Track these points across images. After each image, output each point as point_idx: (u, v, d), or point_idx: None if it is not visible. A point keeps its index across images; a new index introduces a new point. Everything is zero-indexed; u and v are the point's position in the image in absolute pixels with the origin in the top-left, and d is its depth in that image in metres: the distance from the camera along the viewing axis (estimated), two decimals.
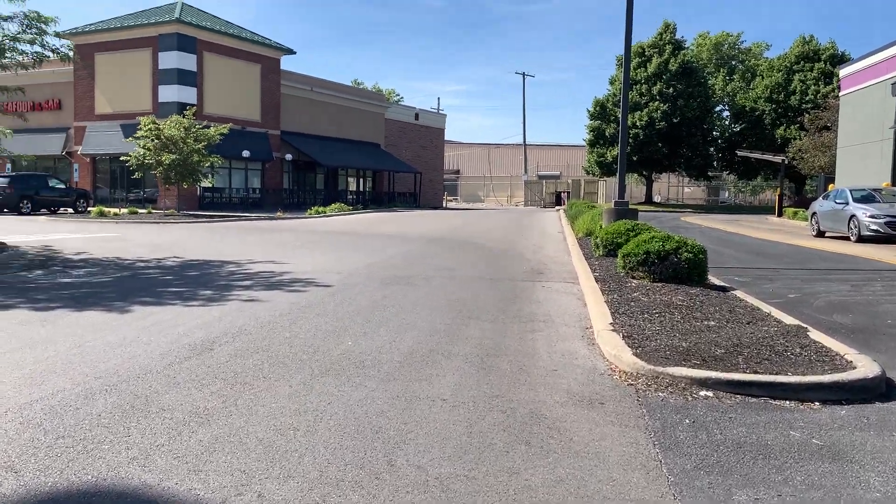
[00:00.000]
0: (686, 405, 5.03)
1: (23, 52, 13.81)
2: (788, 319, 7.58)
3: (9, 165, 41.19)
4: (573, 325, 7.79)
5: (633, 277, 10.35)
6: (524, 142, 70.71)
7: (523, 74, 70.02)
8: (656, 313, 7.77)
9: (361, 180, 51.31)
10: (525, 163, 69.97)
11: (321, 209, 33.36)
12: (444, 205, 61.62)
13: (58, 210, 32.32)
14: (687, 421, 4.70)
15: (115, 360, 5.80)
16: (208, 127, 29.34)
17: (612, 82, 58.64)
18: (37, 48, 13.96)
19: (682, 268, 9.89)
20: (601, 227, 16.78)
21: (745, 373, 5.57)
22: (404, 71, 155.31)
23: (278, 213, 31.37)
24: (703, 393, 5.31)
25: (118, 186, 38.64)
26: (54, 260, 13.60)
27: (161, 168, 28.01)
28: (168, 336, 6.79)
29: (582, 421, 4.64)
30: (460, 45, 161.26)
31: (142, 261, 13.62)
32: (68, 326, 7.15)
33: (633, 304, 8.39)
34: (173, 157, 27.55)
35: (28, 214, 30.12)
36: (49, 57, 14.02)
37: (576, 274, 12.12)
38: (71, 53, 14.52)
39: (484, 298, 9.46)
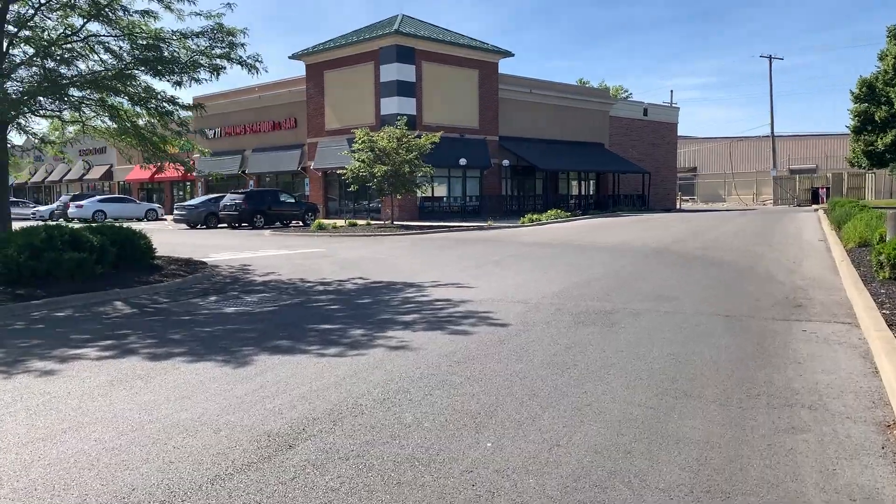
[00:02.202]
0: None
1: (210, 67, 13.36)
2: None
3: (251, 182, 44.36)
4: (861, 416, 4.83)
5: None
6: (772, 133, 62.95)
7: (769, 58, 62.17)
8: None
9: (583, 183, 48.39)
10: (774, 156, 62.26)
11: (535, 216, 31.21)
12: (677, 206, 56.55)
13: (289, 223, 33.67)
14: None
15: (151, 465, 4.11)
16: (420, 136, 28.62)
17: (881, 58, 49.73)
18: (221, 62, 13.44)
19: None
20: (881, 236, 12.77)
21: None
22: (633, 68, 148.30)
23: (488, 222, 29.78)
24: None
25: (346, 198, 39.75)
26: (238, 283, 12.93)
27: (375, 180, 27.75)
28: (258, 413, 5.05)
29: None
30: (695, 36, 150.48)
31: (323, 283, 12.48)
32: (157, 391, 5.72)
33: None
34: (385, 168, 27.12)
35: (261, 228, 31.60)
36: (225, 69, 13.49)
37: (851, 308, 8.74)
38: (258, 65, 13.82)
39: (711, 354, 6.67)
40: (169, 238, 25.19)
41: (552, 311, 9.00)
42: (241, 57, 13.97)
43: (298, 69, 42.19)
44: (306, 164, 41.46)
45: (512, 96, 41.83)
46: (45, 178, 64.06)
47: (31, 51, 13.15)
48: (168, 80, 13.10)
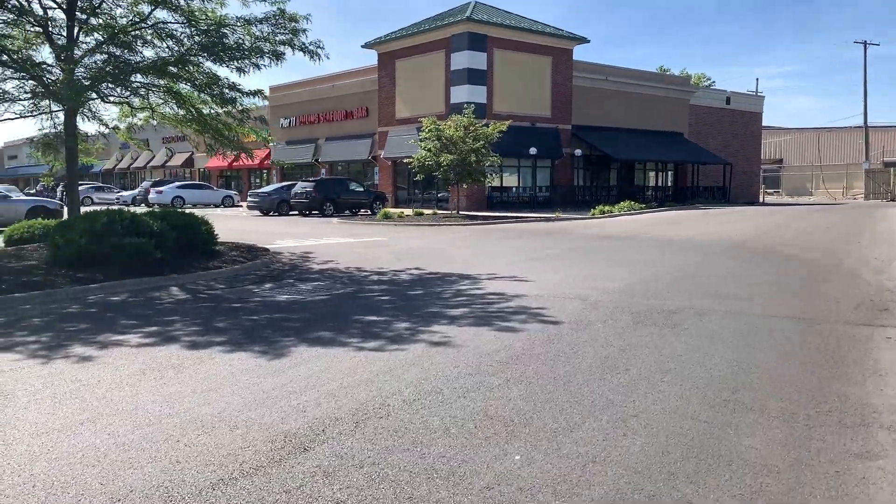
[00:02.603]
0: None
1: (271, 53, 13.31)
2: None
3: (323, 171, 44.84)
4: None
5: None
6: (865, 123, 59.43)
7: (864, 43, 58.66)
8: None
9: (660, 174, 46.81)
10: (866, 148, 58.80)
11: (607, 208, 30.25)
12: (760, 199, 54.16)
13: (358, 212, 33.80)
14: None
15: (156, 464, 3.91)
16: (488, 125, 28.12)
17: None
18: (282, 48, 13.38)
19: None
20: None
21: None
22: (718, 55, 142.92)
23: (556, 213, 29.06)
24: None
25: (415, 188, 39.66)
26: (296, 270, 12.88)
27: (441, 169, 27.46)
28: (280, 410, 4.82)
29: None
30: (785, 22, 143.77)
31: (378, 273, 12.28)
32: (185, 382, 5.57)
33: None
34: (451, 157, 26.77)
35: (330, 216, 31.82)
36: (285, 55, 13.40)
37: None
38: (320, 51, 13.70)
39: (780, 361, 6.07)
40: (240, 224, 25.63)
41: (610, 308, 8.49)
42: (303, 43, 13.88)
43: (371, 58, 42.26)
44: (376, 152, 41.57)
45: (586, 84, 40.79)
46: (131, 164, 66.69)
47: (99, 38, 13.37)
48: (228, 67, 13.12)
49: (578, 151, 38.96)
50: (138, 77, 13.20)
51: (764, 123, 56.23)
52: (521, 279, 11.10)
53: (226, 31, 13.42)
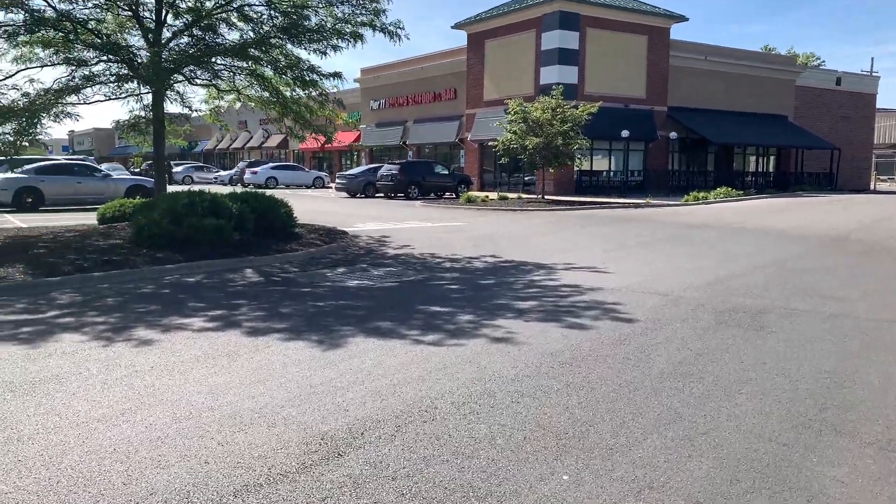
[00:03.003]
0: None
1: (351, 35, 13.19)
2: None
3: (410, 153, 44.92)
4: None
5: None
6: None
7: None
8: None
9: (761, 159, 44.37)
10: None
11: (702, 194, 28.84)
12: (872, 187, 50.64)
13: (442, 195, 33.64)
14: None
15: (184, 464, 3.77)
16: (576, 107, 27.22)
17: None
18: (362, 29, 13.23)
19: None
20: None
21: None
22: (829, 34, 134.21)
23: (647, 200, 27.91)
24: None
25: (502, 171, 39.13)
26: (370, 255, 12.78)
27: (527, 152, 26.83)
28: (323, 408, 4.62)
29: None
30: None
31: (452, 260, 12.02)
32: (235, 372, 5.46)
33: None
34: (537, 140, 26.08)
35: (414, 199, 31.81)
36: (363, 37, 13.21)
37: None
38: (400, 32, 13.49)
39: (880, 375, 5.41)
40: (325, 206, 25.97)
41: (692, 306, 7.90)
42: (383, 24, 13.70)
43: (461, 39, 41.90)
44: (463, 135, 41.28)
45: (684, 64, 39.05)
46: (230, 144, 69.06)
47: (186, 20, 13.58)
48: (306, 49, 13.09)
49: (674, 134, 37.34)
50: (219, 60, 13.35)
51: (878, 105, 52.44)
52: (600, 270, 10.58)
53: (307, 12, 13.41)
